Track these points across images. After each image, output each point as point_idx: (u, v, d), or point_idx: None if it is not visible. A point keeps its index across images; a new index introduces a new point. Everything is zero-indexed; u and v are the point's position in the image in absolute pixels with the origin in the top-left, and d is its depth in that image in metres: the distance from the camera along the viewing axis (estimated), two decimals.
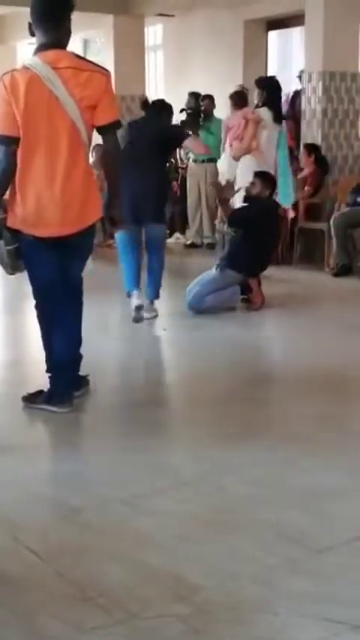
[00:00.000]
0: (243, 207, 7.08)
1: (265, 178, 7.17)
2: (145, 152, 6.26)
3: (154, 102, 6.92)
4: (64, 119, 4.01)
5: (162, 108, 6.72)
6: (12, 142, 4.03)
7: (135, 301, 6.25)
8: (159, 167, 6.46)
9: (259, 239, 6.79)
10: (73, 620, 2.38)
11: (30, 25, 4.12)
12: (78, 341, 4.34)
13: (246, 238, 6.77)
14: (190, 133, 7.14)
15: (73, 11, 4.14)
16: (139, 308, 6.23)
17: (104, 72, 4.12)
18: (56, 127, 4.02)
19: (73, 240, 4.16)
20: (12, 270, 4.27)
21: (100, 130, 4.13)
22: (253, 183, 7.07)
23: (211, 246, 10.50)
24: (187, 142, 6.76)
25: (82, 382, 4.49)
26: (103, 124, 4.09)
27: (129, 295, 6.35)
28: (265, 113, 8.14)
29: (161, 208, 6.46)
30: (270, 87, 8.30)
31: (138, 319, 6.24)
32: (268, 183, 7.15)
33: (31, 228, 4.11)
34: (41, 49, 4.09)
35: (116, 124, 4.18)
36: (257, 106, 8.24)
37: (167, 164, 6.76)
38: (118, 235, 6.35)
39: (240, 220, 6.88)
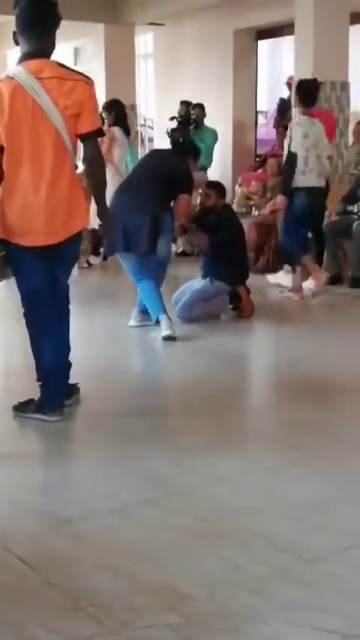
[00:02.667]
0: (224, 232, 6.72)
1: (219, 189, 7.01)
2: (146, 183, 6.13)
3: (181, 142, 6.92)
4: (49, 128, 4.02)
5: (186, 152, 6.55)
6: None
7: (164, 331, 6.00)
8: (157, 201, 6.09)
9: (235, 249, 6.77)
10: (64, 630, 2.38)
11: (14, 33, 4.14)
12: (66, 348, 4.34)
13: (223, 251, 6.66)
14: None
15: (60, 23, 4.15)
16: (167, 338, 5.98)
17: (88, 81, 4.14)
18: (41, 136, 4.03)
19: (59, 248, 4.17)
20: (0, 277, 4.28)
21: (82, 138, 4.15)
22: (207, 195, 6.89)
23: None
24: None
25: (73, 390, 4.50)
26: (84, 131, 4.11)
27: (157, 322, 6.15)
28: (117, 132, 9.54)
29: (153, 241, 6.07)
30: (117, 108, 9.74)
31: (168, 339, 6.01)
32: (222, 193, 7.05)
33: (18, 237, 4.12)
34: (25, 58, 4.11)
35: (97, 132, 4.20)
36: (110, 126, 9.51)
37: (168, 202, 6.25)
38: (125, 266, 6.30)
39: (223, 242, 6.70)
